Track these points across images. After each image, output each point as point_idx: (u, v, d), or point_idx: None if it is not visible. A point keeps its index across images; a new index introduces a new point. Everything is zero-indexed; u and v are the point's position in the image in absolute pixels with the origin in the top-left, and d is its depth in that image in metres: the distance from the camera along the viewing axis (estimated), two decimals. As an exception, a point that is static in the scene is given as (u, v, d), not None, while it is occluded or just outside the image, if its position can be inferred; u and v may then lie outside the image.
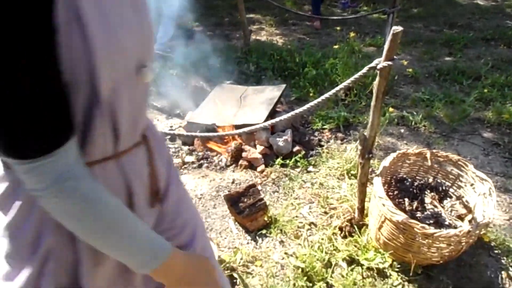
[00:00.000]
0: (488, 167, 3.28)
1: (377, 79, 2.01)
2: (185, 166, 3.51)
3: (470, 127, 3.80)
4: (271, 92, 3.87)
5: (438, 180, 2.68)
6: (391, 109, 3.87)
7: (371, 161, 2.70)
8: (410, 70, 4.77)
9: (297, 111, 2.26)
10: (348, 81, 2.16)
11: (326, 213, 2.81)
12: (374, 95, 2.08)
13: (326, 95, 2.27)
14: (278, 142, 3.34)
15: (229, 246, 2.67)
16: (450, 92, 4.38)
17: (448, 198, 2.61)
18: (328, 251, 2.48)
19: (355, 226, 2.59)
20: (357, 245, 2.51)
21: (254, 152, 3.36)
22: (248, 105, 3.74)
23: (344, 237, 2.59)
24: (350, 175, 3.13)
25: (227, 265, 2.43)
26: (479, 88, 4.38)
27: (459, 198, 2.59)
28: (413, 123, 3.87)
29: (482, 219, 2.16)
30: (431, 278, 2.36)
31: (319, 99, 2.29)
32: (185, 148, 3.74)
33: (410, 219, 2.11)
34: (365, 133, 2.25)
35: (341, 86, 2.23)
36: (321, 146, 3.54)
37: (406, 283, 2.33)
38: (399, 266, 2.37)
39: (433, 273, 2.37)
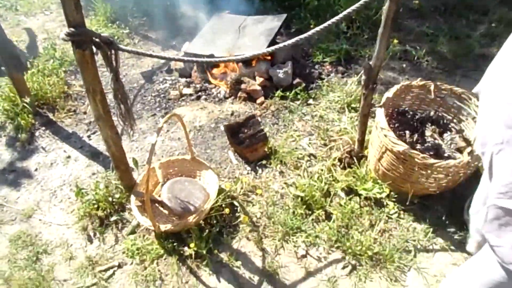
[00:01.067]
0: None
1: (387, 4, 1.90)
2: (183, 98, 3.44)
3: (474, 63, 3.72)
4: (271, 22, 3.71)
5: (440, 114, 2.67)
6: (395, 41, 3.74)
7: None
8: (417, 1, 4.57)
9: (299, 37, 2.16)
10: (352, 8, 2.05)
11: (325, 145, 2.81)
12: (383, 21, 1.98)
13: (329, 22, 2.16)
14: (278, 74, 3.26)
15: (229, 176, 2.69)
16: (456, 27, 4.24)
17: (448, 132, 2.61)
18: (327, 182, 2.52)
19: (355, 158, 2.61)
20: (355, 176, 2.54)
21: (253, 84, 3.28)
22: (247, 36, 3.59)
23: (343, 168, 2.62)
24: (350, 108, 3.10)
25: (228, 193, 2.46)
26: (486, 24, 4.24)
27: (459, 132, 2.59)
28: (415, 58, 3.77)
29: (482, 151, 2.17)
30: (426, 207, 2.42)
31: (321, 26, 2.17)
32: (183, 80, 3.65)
33: (411, 150, 2.12)
34: (370, 63, 2.18)
35: (344, 13, 2.11)
36: (322, 79, 3.46)
37: (402, 212, 2.40)
38: (396, 196, 2.42)
39: (428, 203, 2.43)
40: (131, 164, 2.54)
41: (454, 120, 2.62)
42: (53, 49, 3.91)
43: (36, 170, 2.89)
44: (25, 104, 3.18)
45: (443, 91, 2.58)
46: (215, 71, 3.49)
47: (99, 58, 1.91)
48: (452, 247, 2.24)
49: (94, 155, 2.96)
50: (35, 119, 3.26)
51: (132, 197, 2.36)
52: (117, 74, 1.93)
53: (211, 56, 3.35)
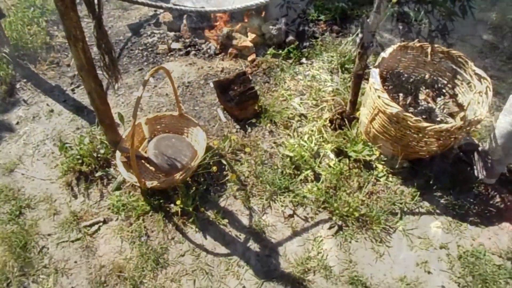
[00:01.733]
0: (484, 69, 3.21)
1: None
2: (172, 53, 3.31)
3: (472, 28, 3.63)
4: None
5: (434, 78, 2.61)
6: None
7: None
8: (417, -39, 4.38)
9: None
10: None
11: (317, 105, 2.75)
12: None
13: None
14: (271, 30, 3.14)
15: (218, 134, 2.63)
16: (456, -12, 4.09)
17: (442, 96, 2.57)
18: (317, 142, 2.48)
19: (346, 119, 2.56)
20: (346, 137, 2.51)
21: (245, 40, 3.16)
22: (240, -11, 3.42)
23: (334, 129, 2.57)
24: (343, 69, 3.02)
25: (216, 151, 2.42)
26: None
27: (452, 96, 2.55)
28: (413, 20, 3.66)
29: (474, 116, 2.14)
30: (414, 171, 2.42)
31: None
32: (171, 34, 3.49)
33: (404, 112, 2.08)
34: (368, 20, 2.09)
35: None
36: (316, 38, 3.35)
37: (390, 175, 2.39)
38: (385, 159, 2.40)
39: (417, 167, 2.42)
40: (117, 119, 2.46)
41: (449, 85, 2.57)
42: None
43: (17, 123, 2.79)
44: (4, 54, 3.02)
45: (440, 54, 2.51)
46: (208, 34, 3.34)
47: (82, 9, 1.79)
48: (438, 211, 2.25)
49: (78, 109, 2.86)
50: (15, 70, 3.11)
51: (118, 153, 2.30)
52: (100, 21, 1.81)
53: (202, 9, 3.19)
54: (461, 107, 2.47)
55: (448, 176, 2.38)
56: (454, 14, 3.19)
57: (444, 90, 2.59)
